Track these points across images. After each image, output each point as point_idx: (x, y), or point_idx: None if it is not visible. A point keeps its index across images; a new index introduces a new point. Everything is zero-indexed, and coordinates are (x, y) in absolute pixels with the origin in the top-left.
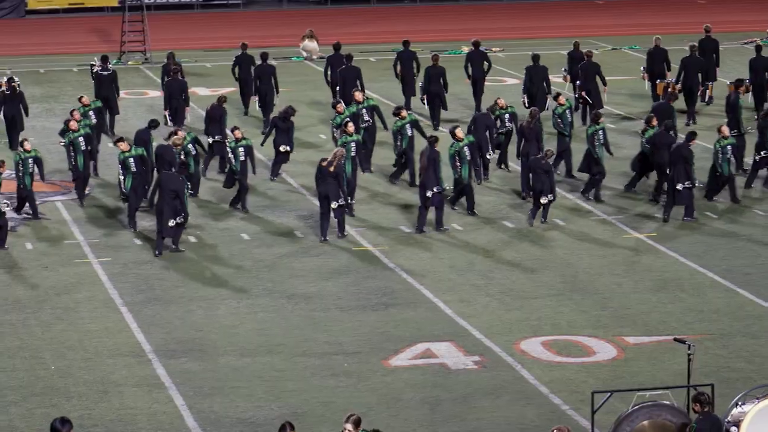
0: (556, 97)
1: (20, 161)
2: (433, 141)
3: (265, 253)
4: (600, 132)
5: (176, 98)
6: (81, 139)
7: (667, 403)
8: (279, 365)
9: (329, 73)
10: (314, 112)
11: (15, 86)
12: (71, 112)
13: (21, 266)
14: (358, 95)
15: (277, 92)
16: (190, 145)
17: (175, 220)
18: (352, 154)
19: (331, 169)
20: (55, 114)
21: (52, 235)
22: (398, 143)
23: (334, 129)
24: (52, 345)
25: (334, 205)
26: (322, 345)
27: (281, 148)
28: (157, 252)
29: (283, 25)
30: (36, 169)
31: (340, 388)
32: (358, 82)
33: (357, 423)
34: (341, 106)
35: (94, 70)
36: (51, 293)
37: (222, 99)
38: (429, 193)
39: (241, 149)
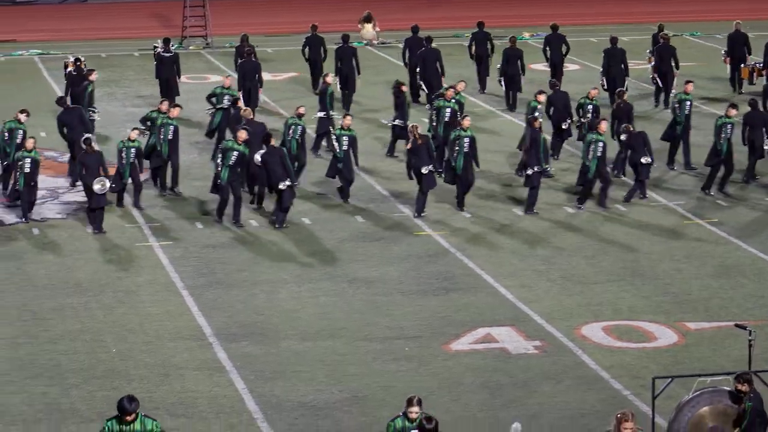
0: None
1: (123, 149)
2: (532, 120)
3: (327, 237)
4: (729, 126)
5: (250, 80)
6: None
7: (728, 388)
8: (340, 349)
9: (407, 55)
10: (377, 97)
11: (81, 67)
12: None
13: (83, 250)
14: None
15: (359, 73)
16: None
17: (285, 182)
18: (465, 149)
19: (419, 142)
20: (116, 98)
21: (113, 218)
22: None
23: (433, 116)
24: (114, 328)
25: (424, 170)
26: (383, 329)
27: (397, 122)
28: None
29: (342, 9)
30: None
31: (401, 373)
32: (438, 65)
33: (420, 403)
34: (450, 92)
35: (156, 52)
36: (113, 277)
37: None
38: (529, 171)
39: (345, 138)
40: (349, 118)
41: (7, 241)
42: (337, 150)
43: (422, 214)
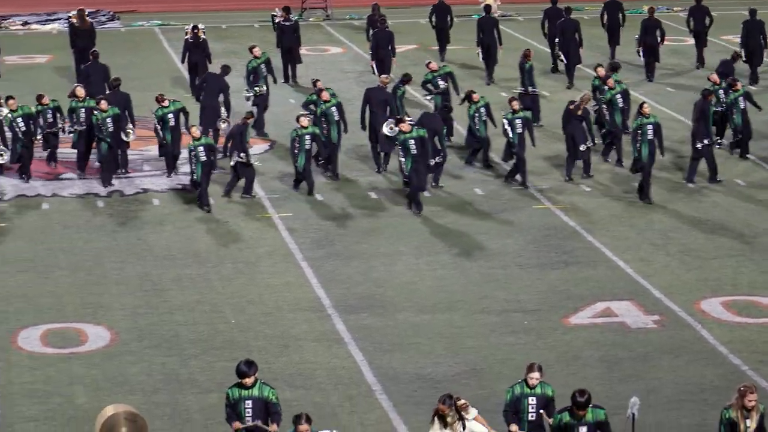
0: None
1: (296, 138)
2: (706, 94)
3: (445, 210)
4: None
5: (383, 48)
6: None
7: None
8: (458, 322)
9: (546, 26)
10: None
11: (199, 34)
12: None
13: (202, 221)
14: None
15: (500, 44)
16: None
17: (434, 159)
18: (649, 137)
19: (579, 112)
20: (236, 69)
21: (235, 190)
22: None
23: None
24: (232, 299)
25: (582, 147)
26: (501, 302)
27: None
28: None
29: None
30: (313, 147)
31: (518, 346)
32: (577, 36)
33: (541, 370)
34: (600, 70)
35: (277, 21)
36: (232, 248)
37: None
38: (699, 145)
39: (518, 121)
40: (516, 102)
41: (128, 212)
42: (510, 135)
43: (590, 174)
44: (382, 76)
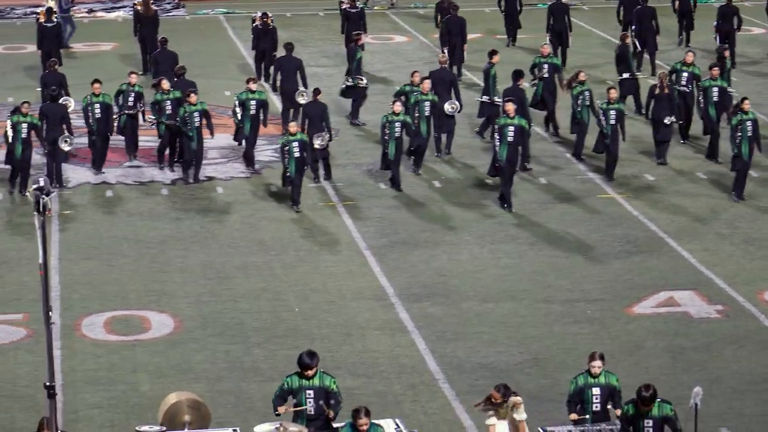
0: None
1: (386, 123)
2: None
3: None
4: None
5: (455, 35)
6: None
7: None
8: (522, 311)
9: (621, 12)
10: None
11: (268, 22)
12: None
13: (265, 209)
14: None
15: (570, 30)
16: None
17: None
18: (749, 133)
19: (665, 91)
20: (300, 58)
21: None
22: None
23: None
24: (296, 287)
25: (666, 121)
26: (564, 292)
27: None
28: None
29: None
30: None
31: (581, 335)
32: (653, 23)
33: (603, 358)
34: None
35: (343, 8)
36: (295, 236)
37: None
38: None
39: (612, 112)
40: (614, 90)
41: (192, 200)
42: (604, 126)
43: (665, 161)
44: (440, 54)
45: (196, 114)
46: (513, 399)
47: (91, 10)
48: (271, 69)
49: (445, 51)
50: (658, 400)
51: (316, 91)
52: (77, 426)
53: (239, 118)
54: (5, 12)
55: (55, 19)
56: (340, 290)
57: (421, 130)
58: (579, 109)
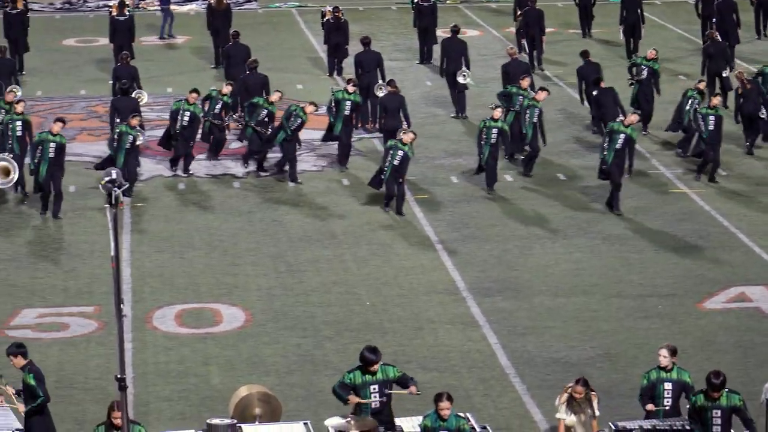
0: None
1: (483, 129)
2: None
3: (578, 193)
4: None
5: (533, 28)
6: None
7: None
8: (593, 306)
9: (700, 6)
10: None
11: (339, 16)
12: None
13: (337, 203)
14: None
15: (643, 23)
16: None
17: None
18: None
19: (748, 86)
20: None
21: (368, 170)
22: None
23: None
24: (368, 281)
25: (763, 115)
26: (636, 286)
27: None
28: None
29: None
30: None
31: (653, 330)
32: (734, 16)
33: (674, 352)
34: None
35: (415, 1)
36: (366, 229)
37: None
38: None
39: (712, 118)
40: (717, 98)
41: (264, 193)
42: (703, 129)
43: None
44: (509, 47)
45: (298, 120)
46: (591, 394)
47: None
48: (344, 63)
49: (524, 43)
50: (726, 390)
51: (392, 83)
52: (148, 418)
53: (333, 118)
54: (78, 5)
55: (127, 12)
56: (412, 284)
57: (528, 134)
58: (687, 108)
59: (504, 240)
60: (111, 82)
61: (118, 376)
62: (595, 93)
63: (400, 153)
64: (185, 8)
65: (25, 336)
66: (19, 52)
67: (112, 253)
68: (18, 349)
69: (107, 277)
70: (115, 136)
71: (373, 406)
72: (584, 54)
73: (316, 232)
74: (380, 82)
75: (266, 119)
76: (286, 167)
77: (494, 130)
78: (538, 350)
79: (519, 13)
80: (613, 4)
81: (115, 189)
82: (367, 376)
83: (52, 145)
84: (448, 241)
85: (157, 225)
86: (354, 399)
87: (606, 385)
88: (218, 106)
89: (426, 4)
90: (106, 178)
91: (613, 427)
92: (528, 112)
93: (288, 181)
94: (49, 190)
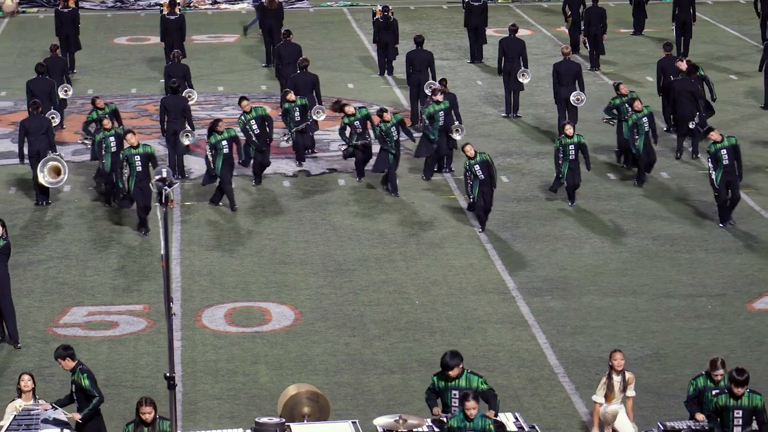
0: None
1: (560, 148)
2: None
3: (630, 193)
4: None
5: (595, 25)
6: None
7: None
8: (642, 306)
9: (759, 5)
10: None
11: (389, 15)
12: None
13: (387, 201)
14: None
15: (694, 20)
16: None
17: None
18: None
19: None
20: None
21: (417, 169)
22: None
23: None
24: (417, 280)
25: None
26: (686, 287)
27: None
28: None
29: None
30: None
31: (702, 330)
32: None
33: (724, 366)
34: None
35: (466, 0)
36: (416, 228)
37: None
38: None
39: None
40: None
41: (313, 192)
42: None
43: None
44: (563, 46)
45: (393, 129)
46: (628, 375)
47: (215, 2)
48: (394, 62)
49: (586, 42)
50: (748, 390)
51: (443, 82)
52: (196, 417)
53: (433, 133)
54: (129, 3)
55: (178, 11)
56: (461, 283)
57: (639, 149)
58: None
59: (554, 239)
60: (162, 80)
61: (167, 374)
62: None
63: (477, 167)
64: (236, 6)
65: (75, 334)
66: (70, 51)
67: (162, 251)
68: (65, 351)
69: (157, 275)
70: (209, 147)
71: (454, 412)
72: (667, 47)
73: (365, 231)
74: (430, 80)
75: (300, 115)
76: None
77: (571, 147)
78: (587, 350)
79: (569, 13)
80: (666, 3)
81: (166, 188)
82: (448, 382)
83: (137, 157)
84: (497, 240)
85: (207, 223)
86: (437, 411)
87: (655, 385)
88: (297, 113)
89: (476, 3)
90: (157, 177)
91: (662, 427)
92: (637, 128)
93: (390, 193)
94: (142, 204)
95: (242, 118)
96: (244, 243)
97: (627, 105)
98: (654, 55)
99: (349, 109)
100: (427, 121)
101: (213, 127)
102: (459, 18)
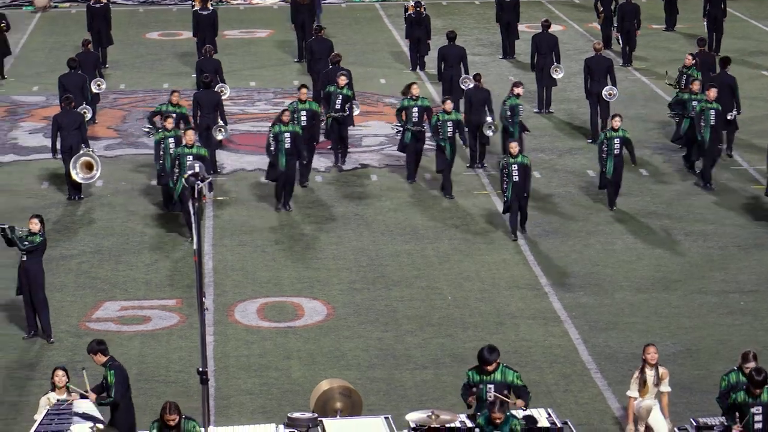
0: None
1: (604, 141)
2: None
3: (663, 189)
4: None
5: (628, 21)
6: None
7: None
8: (675, 302)
9: None
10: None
11: (421, 10)
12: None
13: (419, 197)
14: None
15: (725, 16)
16: None
17: None
18: None
19: None
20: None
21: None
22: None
23: None
24: (449, 275)
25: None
26: (718, 283)
27: None
28: None
29: None
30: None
31: (735, 326)
32: None
33: (756, 359)
34: None
35: None
36: (449, 224)
37: None
38: None
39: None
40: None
41: (347, 186)
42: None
43: None
44: (595, 41)
45: (449, 123)
46: (662, 370)
47: None
48: (426, 58)
49: (619, 37)
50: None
51: (477, 77)
52: (229, 412)
53: (512, 126)
54: None
55: (210, 7)
56: (494, 279)
57: (705, 138)
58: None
59: (586, 235)
60: (194, 75)
61: (200, 369)
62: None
63: (515, 167)
64: (269, 1)
65: (107, 329)
66: (102, 46)
67: (195, 246)
68: (99, 346)
69: (189, 270)
70: (272, 138)
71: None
72: (701, 42)
73: (397, 227)
74: (464, 75)
75: (341, 104)
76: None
77: (616, 140)
78: (620, 345)
79: (601, 9)
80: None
81: (198, 182)
82: (483, 375)
83: (189, 158)
84: (530, 236)
85: (240, 218)
86: (471, 400)
87: (687, 381)
88: (339, 100)
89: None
90: (189, 172)
91: (694, 423)
92: (703, 115)
93: (445, 195)
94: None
95: (293, 104)
96: (276, 238)
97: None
98: (685, 51)
99: (415, 90)
100: (508, 112)
101: (279, 117)
102: (491, 14)
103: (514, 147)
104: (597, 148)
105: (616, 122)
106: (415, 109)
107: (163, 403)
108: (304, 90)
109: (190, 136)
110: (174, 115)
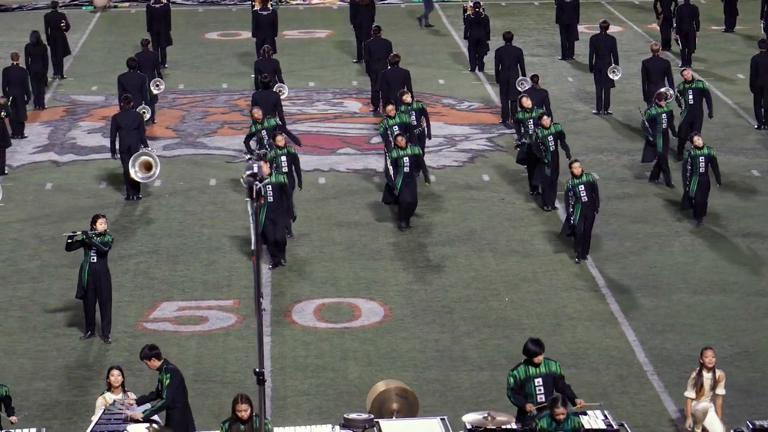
0: None
1: (689, 159)
2: None
3: (715, 191)
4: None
5: (687, 22)
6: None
7: None
8: (731, 304)
9: None
10: None
11: (480, 11)
12: None
13: (477, 198)
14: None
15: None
16: None
17: None
18: None
19: None
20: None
21: (508, 166)
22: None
23: None
24: (506, 276)
25: None
26: None
27: None
28: None
29: None
30: None
31: None
32: None
33: None
34: None
35: None
36: (506, 225)
37: None
38: None
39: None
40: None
41: None
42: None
43: None
44: (652, 42)
45: (550, 138)
46: (718, 373)
47: None
48: (485, 59)
49: (678, 39)
50: None
51: (535, 78)
52: (285, 412)
53: (650, 132)
54: None
55: (270, 7)
56: (551, 280)
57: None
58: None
59: (644, 237)
60: (253, 75)
61: (257, 369)
62: None
63: (582, 188)
64: (328, 1)
65: (164, 329)
66: (161, 46)
67: (253, 246)
68: (151, 351)
69: (247, 270)
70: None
71: (540, 400)
72: (762, 43)
73: (455, 227)
74: (521, 76)
75: (416, 118)
76: None
77: (701, 158)
78: (677, 347)
79: (660, 10)
80: (756, 0)
81: (257, 183)
82: (531, 369)
83: (283, 158)
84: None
85: (297, 219)
86: (530, 407)
87: (744, 384)
88: (413, 115)
89: (569, 0)
90: (248, 172)
91: (751, 426)
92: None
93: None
94: (272, 238)
95: (384, 122)
96: (334, 238)
97: None
98: (745, 52)
99: (526, 102)
100: (647, 123)
101: (395, 142)
102: (550, 14)
103: (576, 167)
104: (681, 167)
105: (699, 140)
106: (531, 121)
107: (234, 396)
108: (390, 107)
109: (281, 140)
110: (266, 130)
